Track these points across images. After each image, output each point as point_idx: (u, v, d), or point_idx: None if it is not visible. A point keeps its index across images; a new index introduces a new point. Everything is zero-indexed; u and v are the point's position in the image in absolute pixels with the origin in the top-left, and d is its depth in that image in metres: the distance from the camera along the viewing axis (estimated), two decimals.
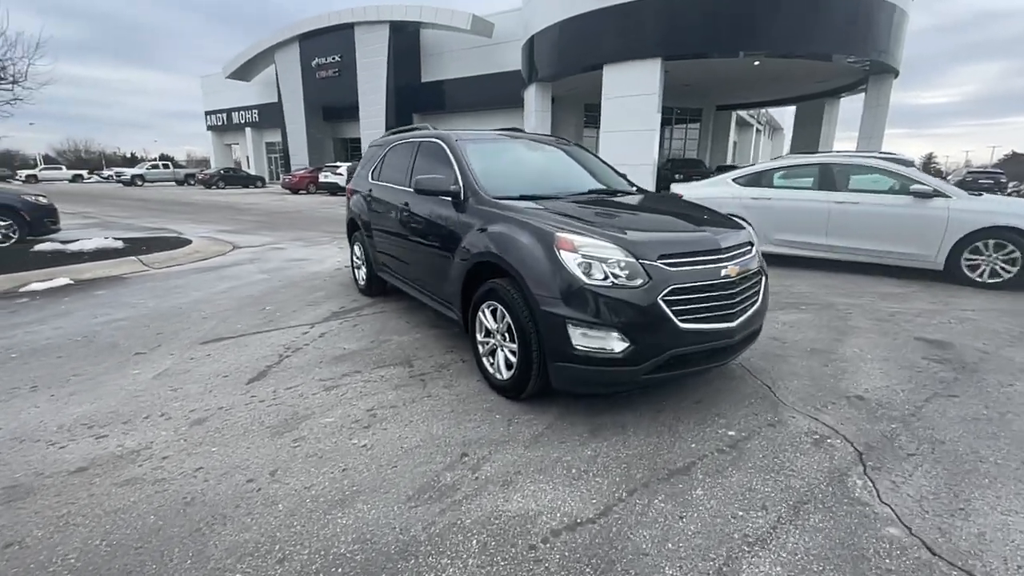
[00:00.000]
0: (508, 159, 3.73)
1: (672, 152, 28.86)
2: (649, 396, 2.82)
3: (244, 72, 37.42)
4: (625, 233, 2.46)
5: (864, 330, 3.99)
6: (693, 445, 2.34)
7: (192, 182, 36.42)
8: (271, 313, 4.52)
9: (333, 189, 24.00)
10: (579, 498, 1.96)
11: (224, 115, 43.46)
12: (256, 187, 32.90)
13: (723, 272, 2.46)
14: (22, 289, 5.48)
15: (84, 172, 51.24)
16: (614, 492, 1.99)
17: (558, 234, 2.45)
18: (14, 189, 8.65)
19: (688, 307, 2.38)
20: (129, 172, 36.83)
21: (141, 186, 35.26)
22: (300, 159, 34.93)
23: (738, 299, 2.53)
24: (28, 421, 2.60)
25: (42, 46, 6.84)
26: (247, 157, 43.46)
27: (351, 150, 35.87)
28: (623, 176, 4.01)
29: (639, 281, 2.32)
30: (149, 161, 42.46)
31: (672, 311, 2.33)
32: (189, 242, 8.43)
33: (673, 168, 20.97)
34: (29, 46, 6.69)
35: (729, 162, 28.35)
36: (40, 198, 8.58)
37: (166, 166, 39.00)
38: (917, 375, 3.12)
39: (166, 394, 2.92)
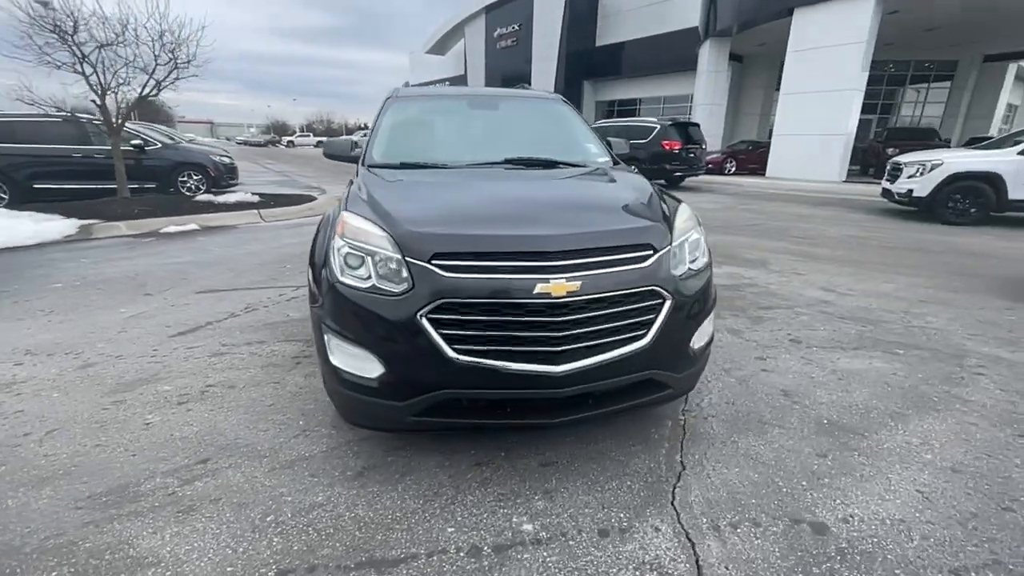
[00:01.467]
0: (432, 119, 3.11)
1: (905, 119, 22.51)
2: (494, 440, 2.10)
3: (440, 47, 40.89)
4: (406, 219, 1.79)
5: (972, 408, 2.38)
6: (450, 530, 1.63)
7: None
8: (283, 272, 4.77)
9: None
10: (220, 560, 1.50)
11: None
12: None
13: (537, 288, 1.60)
14: (162, 230, 6.85)
15: (324, 139, 63.12)
16: (264, 566, 1.48)
17: (344, 213, 1.90)
18: (204, 149, 10.88)
19: (470, 333, 1.62)
20: (351, 139, 44.13)
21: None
22: None
23: (569, 332, 1.64)
24: (4, 340, 3.15)
25: (206, 27, 8.29)
26: None
27: None
28: (606, 147, 3.00)
29: (401, 287, 1.65)
30: (360, 130, 50.15)
31: (440, 334, 1.61)
32: (313, 199, 9.56)
33: (888, 139, 16.30)
34: (195, 29, 8.19)
35: (995, 132, 20.74)
36: (224, 158, 10.66)
37: None
38: (991, 516, 1.70)
39: (109, 335, 3.24)
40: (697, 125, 12.63)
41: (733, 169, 17.29)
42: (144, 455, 2.00)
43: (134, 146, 9.12)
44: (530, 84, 30.44)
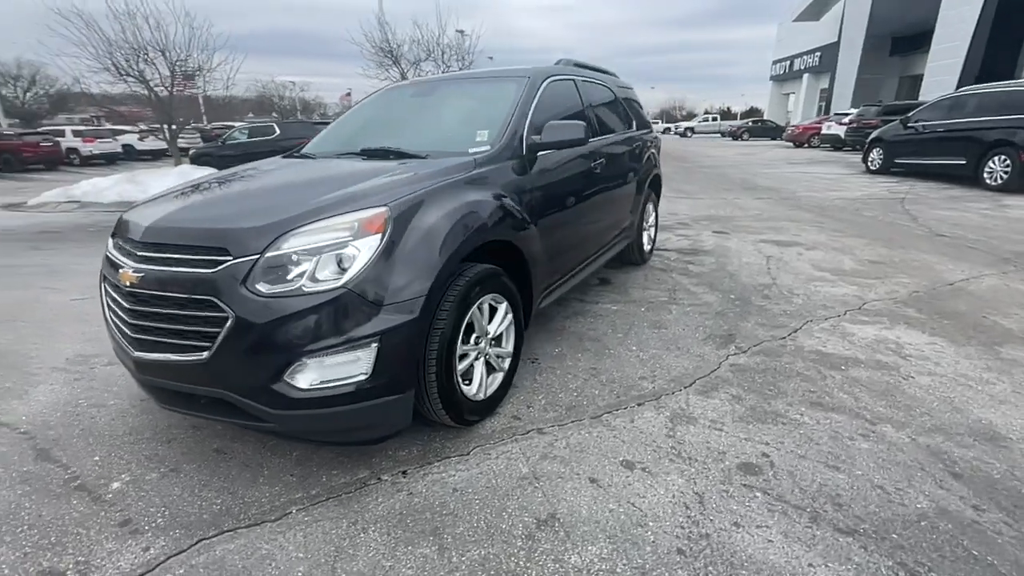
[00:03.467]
0: (367, 111, 3.09)
1: None
2: None
3: (814, 10, 34.42)
4: (152, 202, 2.11)
5: None
6: (96, 459, 1.95)
7: (724, 134, 38.55)
8: None
9: (835, 143, 19.51)
10: None
11: (786, 63, 41.84)
12: (779, 139, 31.38)
13: (119, 273, 1.70)
14: None
15: (671, 126, 63.39)
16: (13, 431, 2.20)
17: None
18: None
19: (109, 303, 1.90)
20: (684, 125, 43.14)
21: (690, 137, 40.68)
22: (842, 104, 29.88)
23: (134, 322, 1.67)
24: None
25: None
26: (798, 106, 40.95)
27: (916, 90, 27.29)
28: (506, 137, 2.27)
29: None
30: (700, 116, 47.82)
31: (108, 298, 1.96)
32: None
33: None
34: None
35: None
36: None
37: (714, 119, 42.94)
38: None
39: None
40: None
41: None
42: (101, 344, 3.03)
43: None
44: (931, 38, 22.32)
